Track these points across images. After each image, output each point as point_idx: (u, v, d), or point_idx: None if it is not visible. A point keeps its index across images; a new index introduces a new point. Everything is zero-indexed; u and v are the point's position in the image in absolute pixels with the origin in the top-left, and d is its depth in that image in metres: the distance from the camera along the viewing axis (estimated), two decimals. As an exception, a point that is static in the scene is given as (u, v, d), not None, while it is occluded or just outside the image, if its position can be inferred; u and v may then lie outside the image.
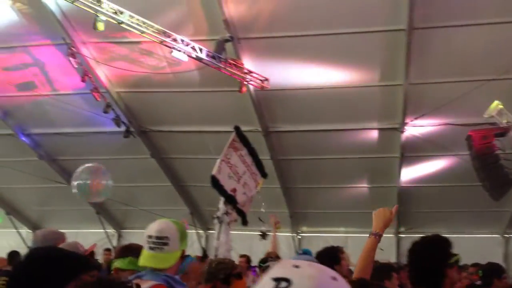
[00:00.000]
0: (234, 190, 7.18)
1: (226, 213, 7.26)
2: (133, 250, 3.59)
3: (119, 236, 13.86)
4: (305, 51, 8.59)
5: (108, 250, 10.51)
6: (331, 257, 4.51)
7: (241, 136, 7.44)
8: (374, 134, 10.22)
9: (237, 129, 7.39)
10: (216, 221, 7.26)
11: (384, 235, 3.03)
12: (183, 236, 2.82)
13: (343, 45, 8.42)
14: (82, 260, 2.33)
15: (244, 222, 7.36)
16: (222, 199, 7.27)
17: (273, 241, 7.51)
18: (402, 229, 12.28)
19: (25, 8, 8.26)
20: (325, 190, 12.01)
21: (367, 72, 8.88)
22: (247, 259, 8.87)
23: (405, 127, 9.62)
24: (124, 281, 2.55)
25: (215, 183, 6.86)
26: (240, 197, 7.18)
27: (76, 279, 2.08)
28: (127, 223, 14.08)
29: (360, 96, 9.25)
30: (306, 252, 5.68)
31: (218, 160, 6.93)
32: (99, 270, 3.30)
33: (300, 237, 13.46)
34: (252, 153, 7.57)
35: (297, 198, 12.35)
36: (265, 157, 10.76)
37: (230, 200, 7.06)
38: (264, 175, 7.78)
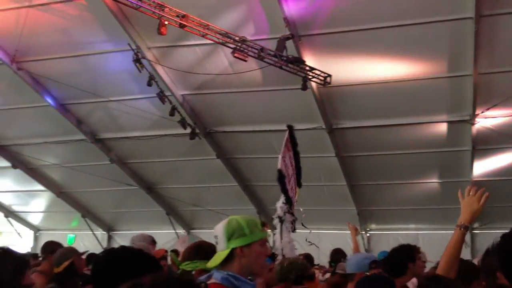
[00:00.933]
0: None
1: (287, 212, 7.22)
2: (201, 250, 3.61)
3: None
4: (368, 45, 8.42)
5: (173, 251, 10.61)
6: (406, 255, 4.40)
7: (292, 137, 7.40)
8: (443, 127, 9.89)
9: (289, 128, 7.36)
10: (277, 220, 7.23)
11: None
12: (233, 235, 2.73)
13: (408, 37, 8.19)
14: (150, 261, 2.40)
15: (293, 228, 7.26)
16: (281, 199, 7.24)
17: (354, 243, 7.38)
18: (476, 225, 11.83)
19: (92, 17, 8.56)
20: (393, 186, 11.76)
21: (434, 63, 8.60)
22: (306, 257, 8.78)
23: (476, 119, 9.25)
24: (190, 280, 2.59)
25: (281, 178, 6.86)
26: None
27: (143, 277, 2.16)
28: (196, 223, 14.35)
29: (427, 88, 8.97)
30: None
31: (280, 156, 6.93)
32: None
33: (368, 234, 13.25)
34: (296, 157, 7.51)
35: (364, 195, 12.16)
36: (329, 154, 10.70)
37: (288, 200, 7.03)
38: (299, 184, 7.67)
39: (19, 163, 12.46)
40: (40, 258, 6.15)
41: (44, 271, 5.57)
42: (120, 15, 8.27)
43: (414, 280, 4.20)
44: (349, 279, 4.74)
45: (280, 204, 6.94)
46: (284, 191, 6.94)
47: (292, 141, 7.46)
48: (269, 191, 12.21)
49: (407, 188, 11.80)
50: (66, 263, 4.90)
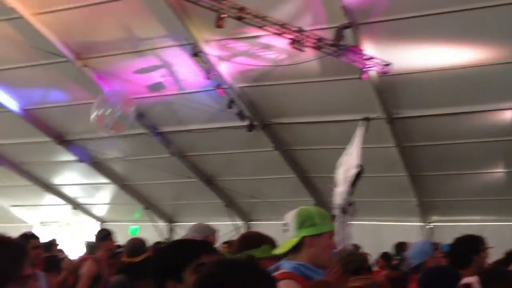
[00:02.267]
0: None
1: (350, 203, 7.19)
2: (247, 240, 3.60)
3: (248, 228, 14.23)
4: (429, 31, 8.17)
5: (226, 243, 10.49)
6: (470, 246, 4.29)
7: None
8: (509, 114, 9.51)
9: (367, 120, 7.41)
10: (339, 211, 7.19)
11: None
12: (304, 223, 2.76)
13: (472, 22, 7.90)
14: (204, 244, 2.44)
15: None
16: (347, 190, 7.21)
17: None
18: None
19: (150, 12, 8.71)
20: (456, 176, 11.43)
21: (500, 48, 8.25)
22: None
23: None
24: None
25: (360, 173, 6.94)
26: None
27: (197, 259, 2.19)
28: (254, 215, 14.45)
29: (493, 74, 8.62)
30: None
31: (357, 151, 7.05)
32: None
33: (431, 226, 12.95)
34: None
35: (425, 186, 11.88)
36: (389, 144, 10.51)
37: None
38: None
39: (85, 156, 12.90)
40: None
41: (97, 259, 5.68)
42: (178, 9, 8.38)
43: (474, 278, 4.06)
44: (414, 272, 4.66)
45: (343, 195, 6.92)
46: (355, 184, 6.99)
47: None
48: (327, 183, 12.16)
49: (471, 178, 11.44)
50: (144, 255, 4.91)
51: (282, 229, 2.85)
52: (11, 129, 12.14)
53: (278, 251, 2.85)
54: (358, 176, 7.21)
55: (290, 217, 2.81)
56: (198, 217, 13.82)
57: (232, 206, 14.11)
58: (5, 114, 11.42)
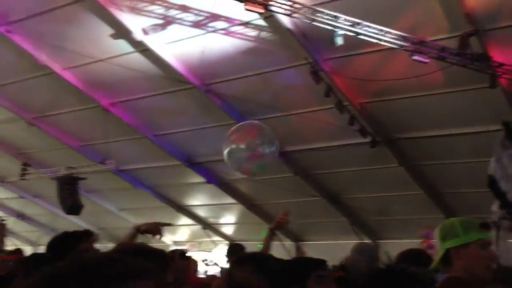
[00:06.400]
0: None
1: (504, 217, 6.72)
2: None
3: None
4: None
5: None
6: None
7: (510, 135, 6.90)
8: None
9: (506, 125, 6.86)
10: (491, 226, 6.76)
11: None
12: (446, 235, 2.70)
13: None
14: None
15: None
16: (496, 202, 6.77)
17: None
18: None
19: (270, 36, 8.93)
20: None
21: None
22: None
23: None
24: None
25: (492, 183, 6.47)
26: None
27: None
28: (383, 233, 14.03)
29: None
30: None
31: (492, 160, 6.58)
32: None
33: None
34: None
35: None
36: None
37: (505, 203, 6.55)
38: None
39: (212, 178, 13.42)
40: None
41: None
42: (296, 31, 8.49)
43: None
44: None
45: (494, 208, 6.54)
46: (500, 195, 6.54)
47: (510, 138, 7.01)
48: (460, 198, 11.51)
49: None
50: None
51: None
52: (145, 154, 13.00)
53: (432, 265, 2.81)
54: (490, 186, 6.74)
55: (436, 231, 2.80)
56: (325, 236, 13.80)
57: (358, 224, 13.83)
58: (139, 140, 12.26)
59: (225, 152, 7.88)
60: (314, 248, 13.61)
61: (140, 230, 3.47)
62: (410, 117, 9.97)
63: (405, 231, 12.43)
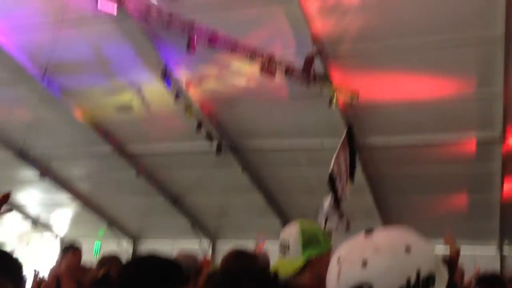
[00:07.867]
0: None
1: (334, 211, 7.34)
2: None
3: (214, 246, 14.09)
4: (396, 61, 8.35)
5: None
6: None
7: (351, 138, 7.74)
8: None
9: (349, 129, 8.20)
10: (322, 219, 7.31)
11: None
12: (310, 242, 2.49)
13: (436, 54, 8.11)
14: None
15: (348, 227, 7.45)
16: (329, 198, 7.32)
17: None
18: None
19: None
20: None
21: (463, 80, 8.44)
22: None
23: None
24: None
25: (330, 179, 7.14)
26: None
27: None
28: (220, 234, 14.31)
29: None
30: None
31: (334, 157, 7.36)
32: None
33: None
34: (353, 156, 7.87)
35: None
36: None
37: (336, 200, 7.23)
38: (353, 179, 8.04)
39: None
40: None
41: None
42: (149, 34, 8.35)
43: None
44: None
45: (327, 203, 7.05)
46: (334, 190, 7.21)
47: (351, 141, 8.15)
48: (295, 205, 12.19)
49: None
50: None
51: (281, 249, 2.56)
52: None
53: (280, 274, 2.49)
54: (329, 183, 7.38)
55: (292, 235, 2.52)
56: (165, 235, 13.75)
57: (199, 225, 14.00)
58: None
59: None
60: (153, 246, 13.47)
61: None
62: (255, 126, 10.32)
63: (242, 232, 12.84)
